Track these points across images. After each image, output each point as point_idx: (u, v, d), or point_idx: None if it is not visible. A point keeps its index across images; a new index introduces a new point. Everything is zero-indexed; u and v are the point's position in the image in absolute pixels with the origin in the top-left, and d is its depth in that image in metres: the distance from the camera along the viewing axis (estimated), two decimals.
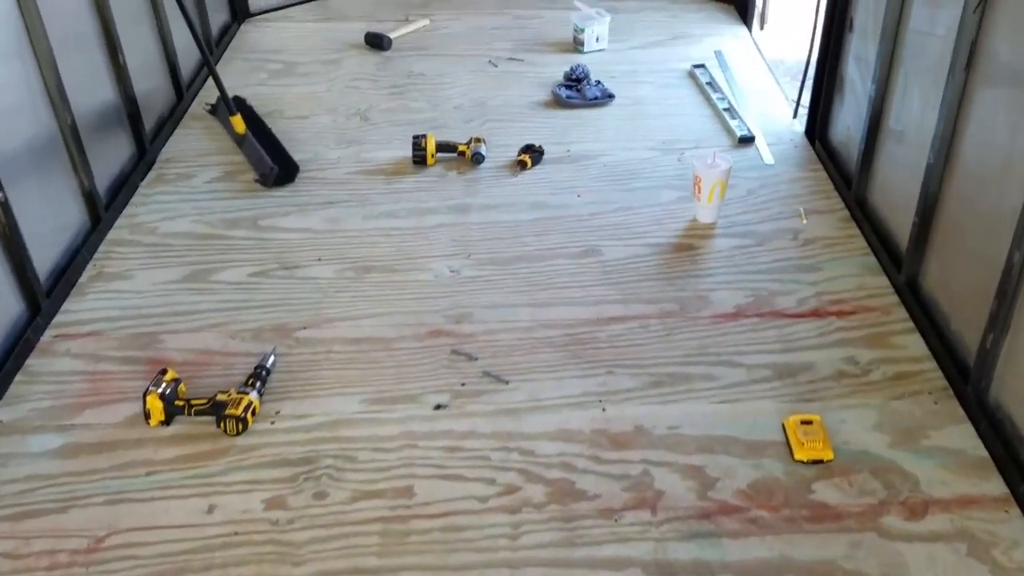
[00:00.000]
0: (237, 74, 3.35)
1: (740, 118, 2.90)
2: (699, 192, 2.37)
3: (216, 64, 3.39)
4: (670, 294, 2.15)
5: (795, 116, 2.94)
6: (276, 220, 2.49)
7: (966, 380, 1.80)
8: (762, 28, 3.70)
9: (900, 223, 2.16)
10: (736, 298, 2.12)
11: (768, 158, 2.70)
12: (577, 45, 3.48)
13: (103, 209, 2.41)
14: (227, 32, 3.67)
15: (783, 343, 1.97)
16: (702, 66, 3.27)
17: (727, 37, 3.58)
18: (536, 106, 3.10)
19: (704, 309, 2.09)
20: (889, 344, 1.97)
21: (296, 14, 3.93)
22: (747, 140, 2.79)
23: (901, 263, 2.11)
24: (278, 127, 2.94)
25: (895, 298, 2.10)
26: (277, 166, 2.65)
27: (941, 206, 1.95)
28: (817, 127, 2.77)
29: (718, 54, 3.38)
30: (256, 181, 2.64)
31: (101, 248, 2.34)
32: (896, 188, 2.22)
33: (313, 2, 4.03)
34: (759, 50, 3.48)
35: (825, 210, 2.46)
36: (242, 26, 3.77)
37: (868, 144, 2.32)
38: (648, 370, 1.90)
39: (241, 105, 3.01)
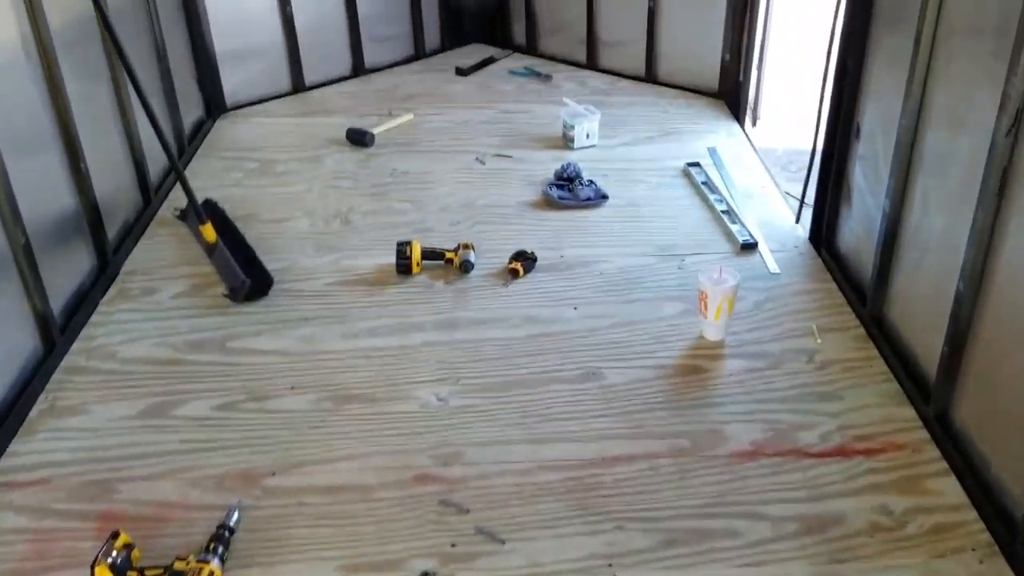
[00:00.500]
0: (211, 174, 3.20)
1: (740, 221, 2.77)
2: (705, 309, 2.22)
3: (189, 163, 3.26)
4: (680, 427, 1.96)
5: (798, 220, 2.81)
6: (246, 341, 2.29)
7: (1014, 535, 1.61)
8: (754, 125, 3.62)
9: (925, 348, 2.00)
10: (753, 432, 1.94)
11: (773, 267, 2.55)
12: (567, 142, 3.38)
13: (58, 333, 2.20)
14: (201, 128, 3.54)
15: (809, 489, 1.78)
16: (696, 164, 3.16)
17: (720, 133, 3.49)
18: (527, 207, 2.96)
19: (719, 446, 1.90)
20: (924, 490, 1.78)
21: (274, 108, 3.81)
22: (750, 247, 2.65)
23: (928, 393, 1.94)
24: (253, 232, 2.78)
25: (925, 433, 1.92)
26: (249, 279, 2.47)
27: (973, 336, 1.79)
28: (823, 233, 2.64)
29: (712, 152, 3.28)
30: (225, 296, 2.45)
31: (54, 377, 2.13)
32: (918, 309, 2.08)
33: (292, 96, 3.93)
34: (754, 148, 3.38)
35: (839, 327, 2.30)
36: (217, 122, 3.63)
37: (883, 260, 2.18)
38: (662, 524, 1.70)
39: (212, 209, 2.84)
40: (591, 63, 4.24)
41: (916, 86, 2.00)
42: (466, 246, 2.61)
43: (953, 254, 1.82)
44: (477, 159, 3.31)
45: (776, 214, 2.89)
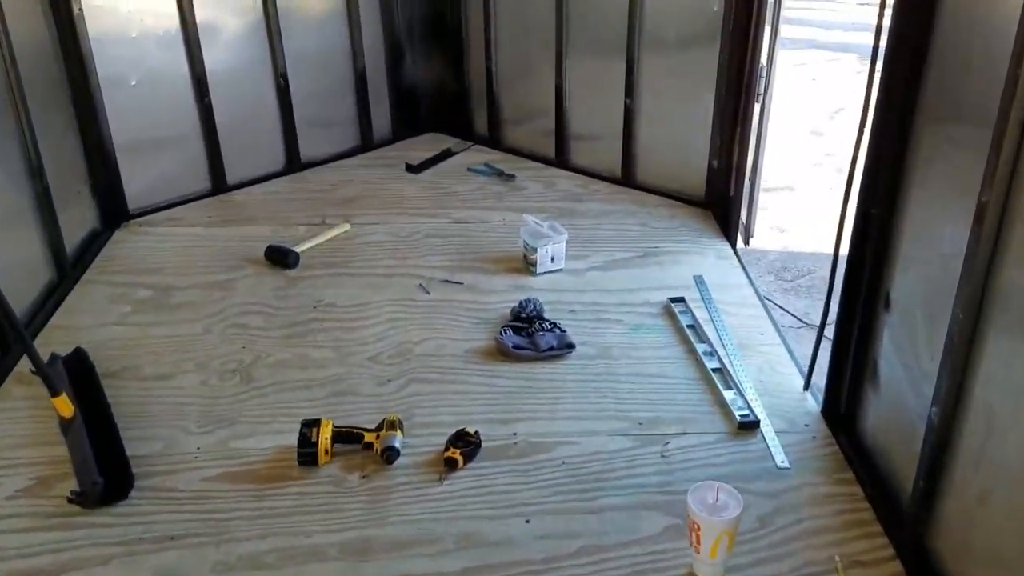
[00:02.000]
0: (93, 307, 2.63)
1: (736, 385, 2.24)
2: (698, 543, 1.66)
3: (71, 291, 2.69)
4: None
5: (807, 388, 2.28)
6: (88, 572, 1.71)
7: None
8: (747, 244, 3.11)
9: None
10: None
11: (781, 458, 2.01)
12: (528, 265, 2.84)
13: None
14: (94, 243, 2.97)
15: None
16: (681, 300, 2.63)
17: (707, 255, 2.97)
18: (475, 357, 2.41)
19: None
20: None
21: (186, 215, 3.25)
22: (750, 426, 2.12)
23: None
24: (127, 394, 2.21)
25: None
26: (103, 477, 1.89)
27: None
28: (840, 410, 2.11)
29: (699, 281, 2.76)
30: (71, 500, 1.87)
31: None
32: (984, 553, 1.53)
33: (210, 198, 3.38)
34: (749, 277, 2.85)
35: (871, 560, 1.74)
36: (116, 233, 3.07)
37: (929, 481, 1.64)
38: None
39: (78, 365, 2.27)
40: (560, 160, 3.74)
41: (984, 246, 1.44)
42: (392, 424, 2.04)
43: None
44: (421, 286, 2.77)
45: (779, 375, 2.35)
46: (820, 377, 2.27)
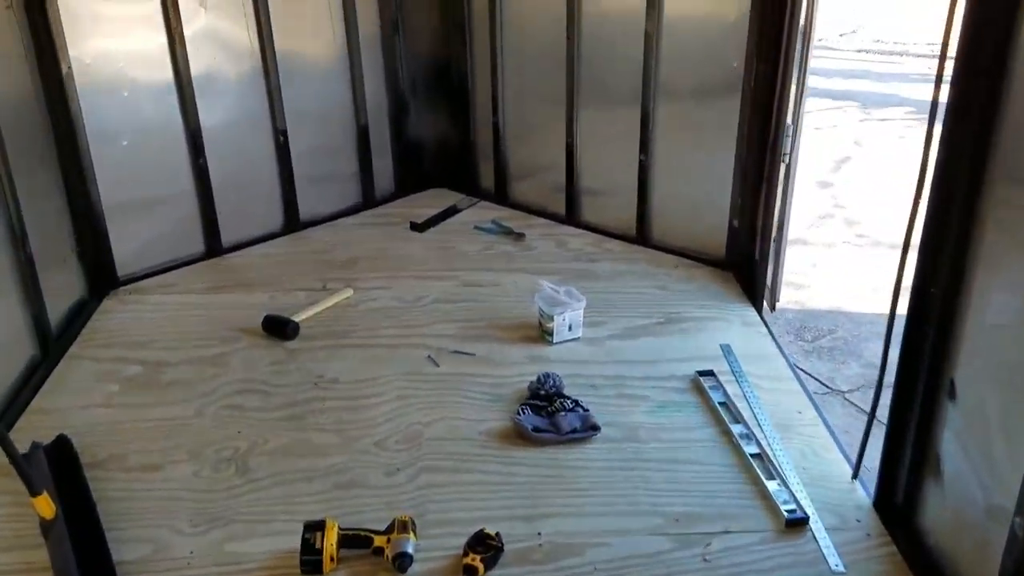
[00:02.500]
0: (78, 387, 2.44)
1: (779, 474, 2.05)
2: None
3: (54, 368, 2.50)
4: None
5: (855, 477, 2.10)
6: None
7: None
8: (772, 309, 2.95)
9: None
10: None
11: (836, 562, 1.82)
12: (544, 334, 2.67)
13: None
14: (80, 314, 2.79)
15: None
16: (710, 373, 2.46)
17: (733, 322, 2.80)
18: (492, 440, 2.22)
19: None
20: None
21: (179, 281, 3.07)
22: (798, 523, 1.93)
23: None
24: (113, 488, 2.02)
25: None
26: None
27: None
28: (896, 502, 1.93)
29: (726, 351, 2.59)
30: None
31: None
32: None
33: (205, 262, 3.21)
34: (779, 347, 2.68)
35: None
36: (104, 302, 2.88)
37: None
38: None
39: (61, 455, 2.08)
40: (571, 217, 3.59)
41: None
42: (403, 525, 1.84)
43: None
44: (429, 358, 2.60)
45: (824, 461, 2.16)
46: (869, 460, 2.10)
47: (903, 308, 1.87)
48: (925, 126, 1.70)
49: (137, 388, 2.43)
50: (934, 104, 1.68)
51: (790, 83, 2.53)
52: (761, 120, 2.77)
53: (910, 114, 7.54)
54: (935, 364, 1.74)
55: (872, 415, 2.01)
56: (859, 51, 10.50)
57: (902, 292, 1.85)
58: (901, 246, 1.85)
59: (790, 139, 2.61)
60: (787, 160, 2.65)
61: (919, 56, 10.38)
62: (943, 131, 1.67)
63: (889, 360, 1.91)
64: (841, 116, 7.36)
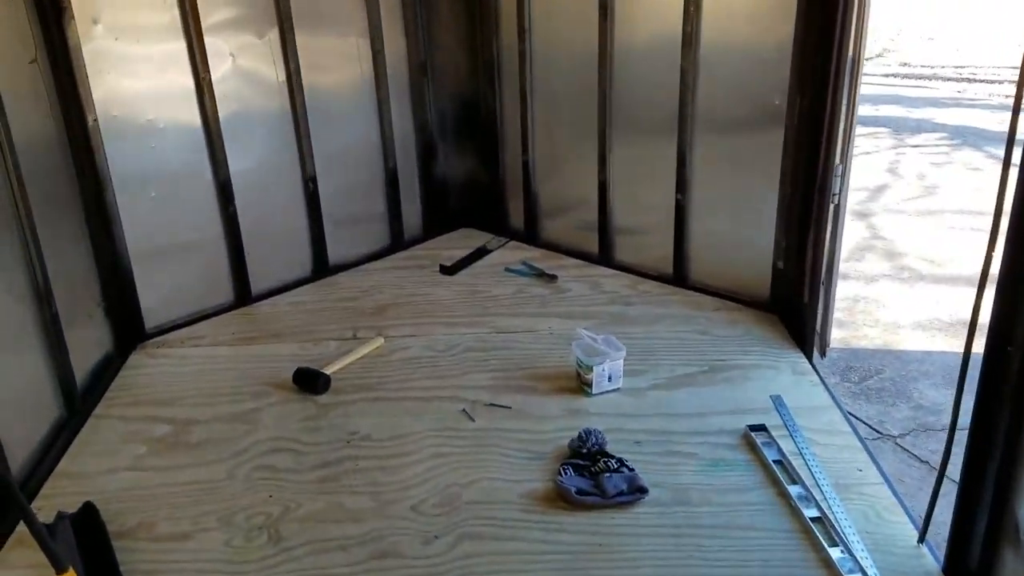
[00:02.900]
0: (104, 449, 2.36)
1: (843, 539, 1.92)
2: None
3: (80, 428, 2.43)
4: None
5: (922, 541, 1.96)
6: None
7: None
8: (823, 355, 2.81)
9: None
10: None
11: None
12: (582, 385, 2.57)
13: None
14: (107, 370, 2.72)
15: None
16: (762, 428, 2.34)
17: (782, 370, 2.66)
18: (533, 503, 2.10)
19: None
20: None
21: (208, 332, 3.01)
22: None
23: None
24: (141, 560, 1.93)
25: None
26: None
27: None
28: (970, 574, 1.79)
29: (777, 403, 2.46)
30: None
31: None
32: None
33: (233, 311, 3.15)
34: (834, 398, 2.53)
35: None
36: (131, 357, 2.82)
37: None
38: None
39: (87, 525, 2.00)
40: (604, 256, 3.50)
41: None
42: None
43: None
44: (464, 411, 2.50)
45: (887, 524, 2.01)
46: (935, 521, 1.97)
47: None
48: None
49: (166, 449, 2.35)
50: (1012, 133, 1.57)
51: (839, 119, 2.42)
52: (806, 158, 2.66)
53: (943, 140, 7.41)
54: (1014, 425, 1.62)
55: (941, 474, 1.88)
56: (887, 75, 10.39)
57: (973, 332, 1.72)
58: (974, 284, 1.71)
59: (839, 179, 2.50)
60: (836, 200, 2.54)
61: (949, 80, 10.25)
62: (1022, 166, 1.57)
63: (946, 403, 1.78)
64: (874, 143, 7.24)
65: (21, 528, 2.00)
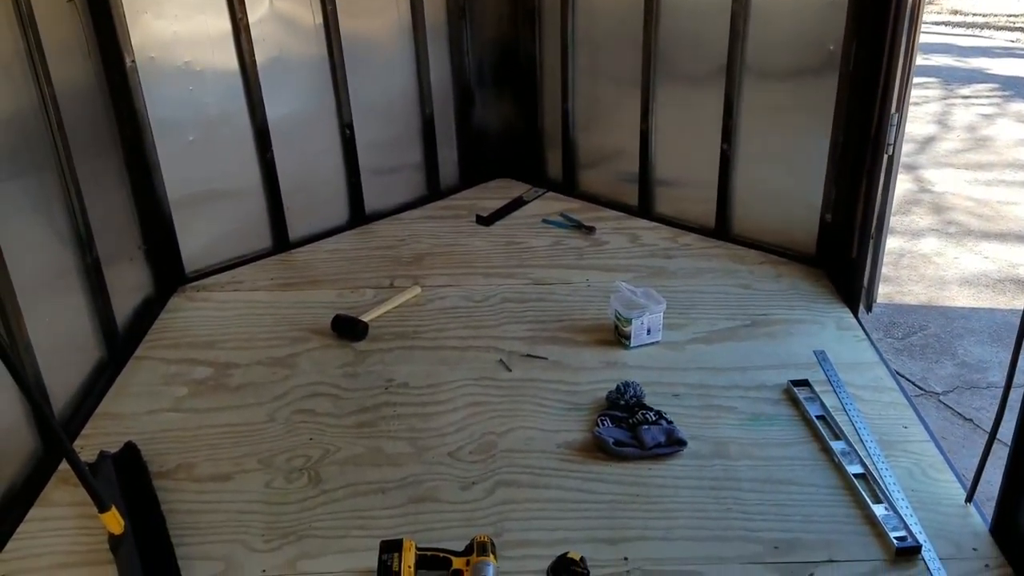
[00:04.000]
0: (144, 391, 2.38)
1: (887, 496, 1.89)
2: None
3: (121, 370, 2.46)
4: None
5: (969, 500, 1.92)
6: None
7: None
8: (869, 310, 2.74)
9: None
10: None
11: None
12: (620, 338, 2.54)
13: None
14: (147, 313, 2.75)
15: None
16: (805, 383, 2.30)
17: (827, 325, 2.61)
18: (570, 453, 2.10)
19: None
20: None
21: (247, 276, 3.01)
22: (909, 552, 1.77)
23: None
24: (182, 500, 1.96)
25: None
26: None
27: None
28: (1019, 534, 1.75)
29: (821, 358, 2.42)
30: None
31: None
32: None
33: (272, 257, 3.15)
34: (880, 354, 2.48)
35: None
36: (171, 300, 2.84)
37: None
38: None
39: (129, 464, 2.04)
40: (644, 209, 3.43)
41: None
42: (482, 545, 1.74)
43: None
44: (501, 361, 2.49)
45: (934, 482, 1.98)
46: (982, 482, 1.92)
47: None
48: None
49: (206, 392, 2.37)
50: None
51: (896, 67, 2.32)
52: (861, 107, 2.56)
53: (995, 91, 7.14)
54: None
55: (994, 432, 1.83)
56: (938, 23, 10.01)
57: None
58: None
59: (894, 128, 2.40)
60: (890, 151, 2.45)
61: (1001, 29, 9.85)
62: None
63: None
64: (923, 93, 7.00)
65: (64, 467, 2.05)
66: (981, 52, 8.61)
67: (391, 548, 1.73)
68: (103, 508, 1.78)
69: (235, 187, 3.03)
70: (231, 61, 2.90)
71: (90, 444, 2.15)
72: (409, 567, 1.70)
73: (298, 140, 3.13)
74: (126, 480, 2.00)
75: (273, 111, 3.02)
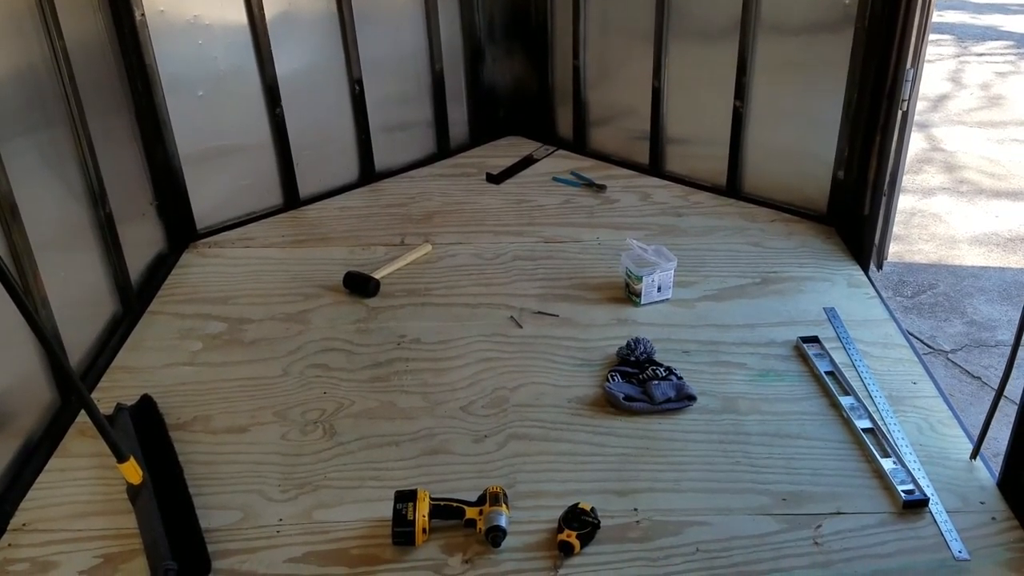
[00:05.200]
0: (159, 344, 2.41)
1: (894, 451, 1.91)
2: None
3: (136, 324, 2.49)
4: None
5: (975, 457, 1.94)
6: None
7: None
8: (879, 268, 2.74)
9: None
10: None
11: (959, 547, 1.69)
12: (631, 295, 2.55)
13: None
14: (160, 268, 2.77)
15: None
16: (814, 340, 2.31)
17: (837, 282, 2.62)
18: (581, 408, 2.13)
19: None
20: None
21: (258, 233, 3.02)
22: (916, 504, 1.80)
23: None
24: (199, 451, 2.00)
25: None
26: (177, 560, 1.68)
27: None
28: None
29: (831, 315, 2.42)
30: None
31: None
32: None
33: (282, 214, 3.15)
34: (890, 311, 2.49)
35: None
36: (183, 256, 2.86)
37: None
38: None
39: (146, 416, 2.07)
40: (655, 167, 3.41)
41: None
42: (495, 497, 1.78)
43: None
44: (512, 318, 2.50)
45: (942, 437, 2.00)
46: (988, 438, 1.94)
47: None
48: None
49: (220, 346, 2.40)
50: None
51: (912, 21, 2.29)
52: (876, 62, 2.54)
53: (1010, 49, 7.02)
54: None
55: (1002, 388, 1.84)
56: None
57: None
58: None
59: (909, 84, 2.38)
60: (905, 107, 2.42)
61: None
62: None
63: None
64: (936, 50, 6.89)
65: (82, 419, 2.09)
66: (996, 8, 8.45)
67: (406, 498, 1.77)
68: (122, 458, 1.82)
69: (245, 143, 3.03)
70: (240, 15, 2.87)
71: (106, 397, 2.18)
72: (423, 516, 1.74)
73: (308, 96, 3.11)
74: (143, 432, 2.03)
75: (282, 67, 3.00)
